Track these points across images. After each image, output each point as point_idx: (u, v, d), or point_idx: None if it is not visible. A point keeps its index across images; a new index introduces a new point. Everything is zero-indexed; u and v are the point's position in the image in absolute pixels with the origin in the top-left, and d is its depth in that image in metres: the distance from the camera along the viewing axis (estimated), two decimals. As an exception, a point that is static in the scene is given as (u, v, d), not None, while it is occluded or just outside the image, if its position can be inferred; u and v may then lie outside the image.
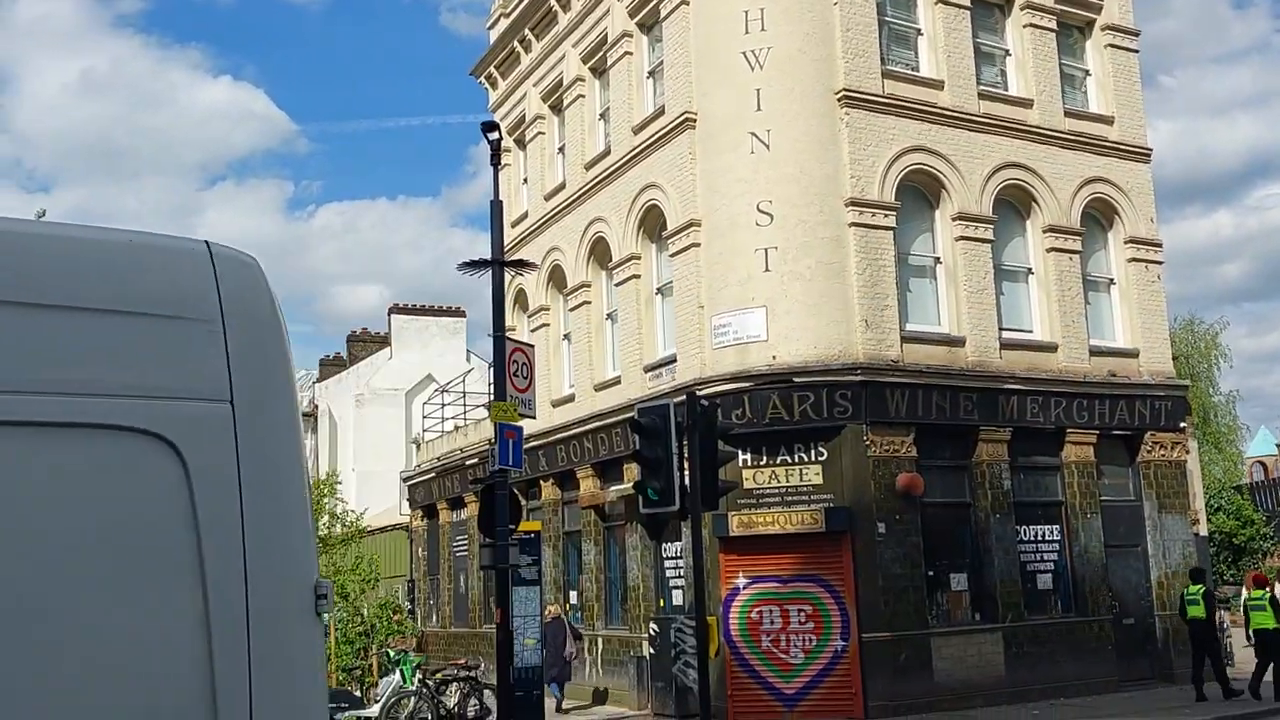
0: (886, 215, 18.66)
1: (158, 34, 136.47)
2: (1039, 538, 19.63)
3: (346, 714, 17.30)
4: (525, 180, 25.90)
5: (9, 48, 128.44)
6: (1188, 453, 21.23)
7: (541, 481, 23.81)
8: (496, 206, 13.25)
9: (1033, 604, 19.06)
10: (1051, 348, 20.09)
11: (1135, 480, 20.76)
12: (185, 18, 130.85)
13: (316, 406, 49.58)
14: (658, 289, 20.76)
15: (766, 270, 18.13)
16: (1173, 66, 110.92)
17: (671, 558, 19.56)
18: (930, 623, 17.84)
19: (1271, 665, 17.50)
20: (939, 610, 18.29)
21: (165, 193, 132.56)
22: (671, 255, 19.77)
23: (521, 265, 13.92)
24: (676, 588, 19.28)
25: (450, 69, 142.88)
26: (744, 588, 17.78)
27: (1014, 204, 20.48)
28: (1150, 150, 21.92)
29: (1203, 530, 21.62)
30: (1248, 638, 18.79)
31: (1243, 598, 19.61)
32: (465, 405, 30.37)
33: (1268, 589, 18.59)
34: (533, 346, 15.01)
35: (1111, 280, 21.48)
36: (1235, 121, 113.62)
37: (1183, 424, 21.28)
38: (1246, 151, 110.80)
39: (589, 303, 22.74)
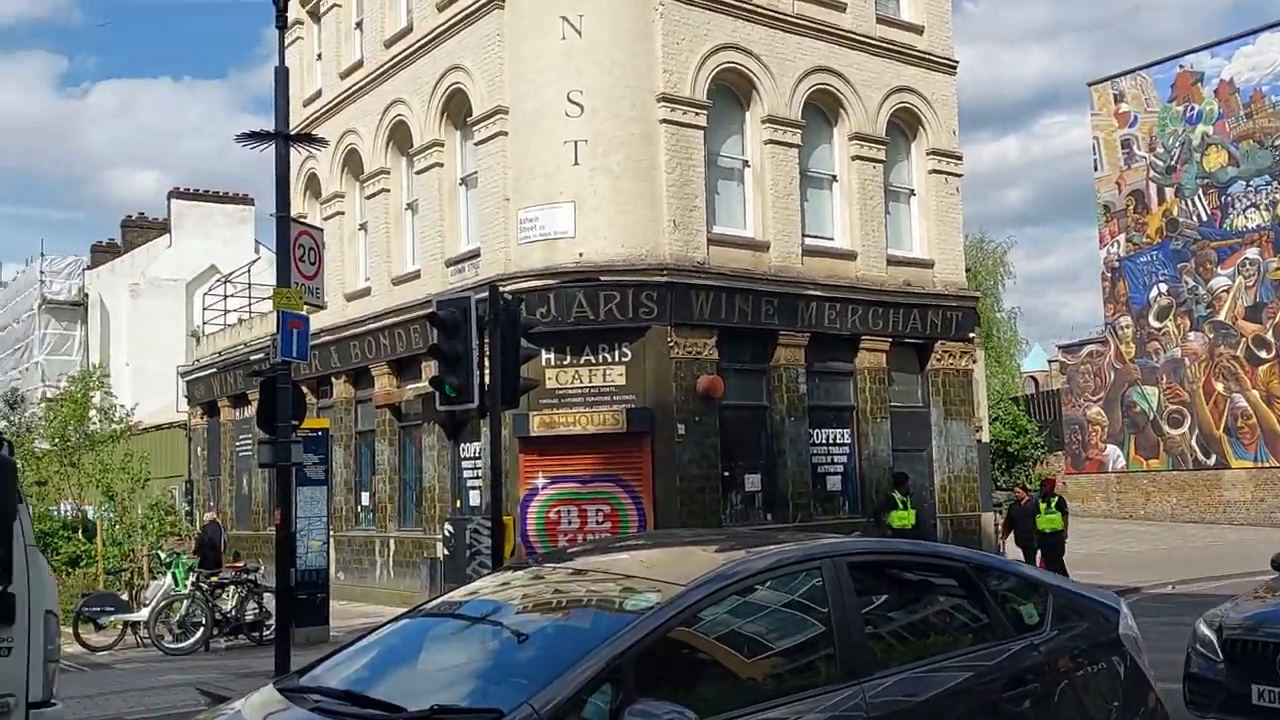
0: (698, 114, 18.25)
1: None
2: (830, 441, 20.03)
3: (112, 618, 16.19)
4: (320, 56, 24.22)
5: None
6: (975, 362, 21.99)
7: (334, 379, 22.75)
8: (281, 74, 12.05)
9: (822, 504, 19.50)
10: (851, 255, 20.30)
11: (924, 387, 21.40)
12: None
13: (86, 296, 46.13)
14: (462, 179, 19.82)
15: (576, 164, 17.49)
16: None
17: (470, 458, 19.01)
18: (724, 522, 17.98)
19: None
20: (732, 510, 18.46)
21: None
22: (477, 144, 18.84)
23: (309, 141, 12.80)
24: (474, 488, 18.78)
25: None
26: (543, 488, 17.44)
27: (823, 110, 20.41)
28: (957, 62, 22.20)
29: (985, 438, 22.55)
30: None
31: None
32: (251, 298, 28.69)
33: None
34: (321, 230, 14.00)
35: (912, 191, 21.81)
36: (1028, 51, 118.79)
37: (971, 334, 22.01)
38: (1037, 80, 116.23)
39: (387, 191, 21.57)
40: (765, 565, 4.49)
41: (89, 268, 47.19)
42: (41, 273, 46.77)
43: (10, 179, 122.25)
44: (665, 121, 17.83)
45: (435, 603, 5.14)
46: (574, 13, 17.61)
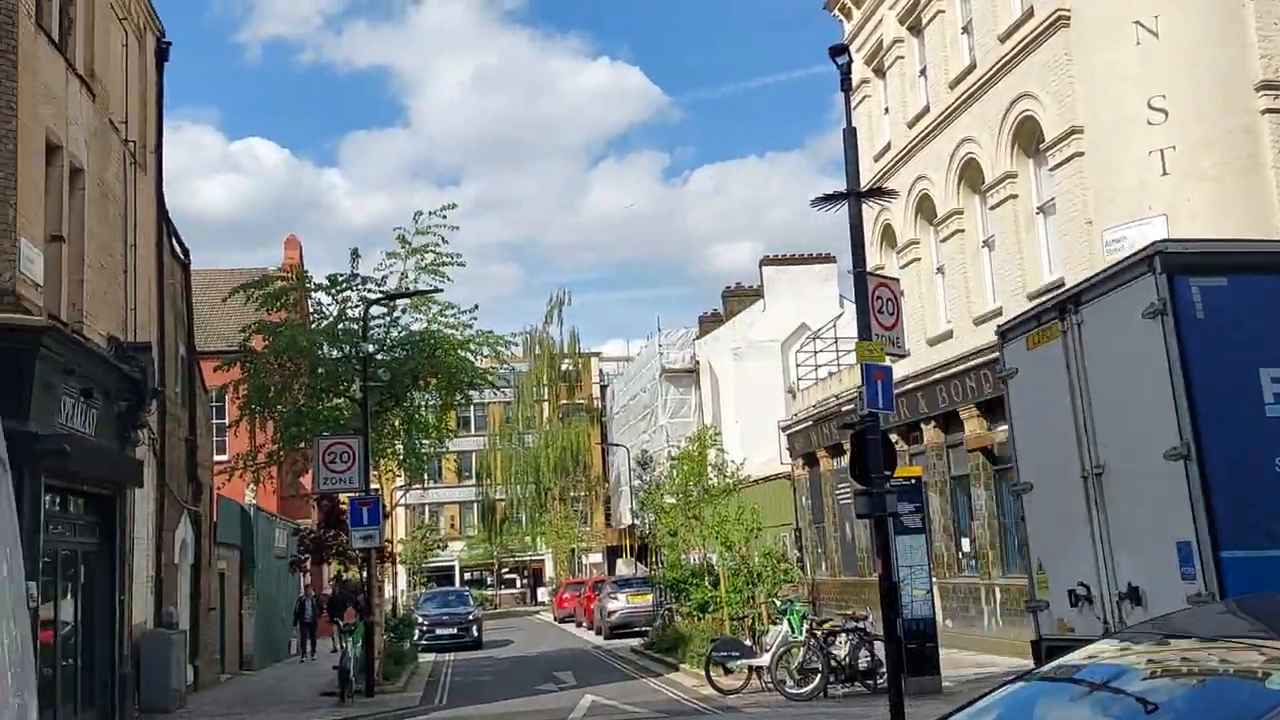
0: (1310, 95, 16.00)
1: (542, 25, 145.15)
2: None
3: (739, 662, 17.33)
4: (886, 110, 24.73)
5: (414, 55, 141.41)
6: None
7: (923, 424, 22.78)
8: (850, 134, 12.47)
9: None
10: None
11: None
12: (565, 6, 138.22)
13: (697, 362, 50.90)
14: (1038, 208, 19.09)
15: (1164, 174, 16.10)
16: None
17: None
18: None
19: None
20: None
21: (555, 176, 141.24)
22: (1051, 169, 18.06)
23: (879, 194, 13.06)
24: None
25: (806, 21, 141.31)
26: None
27: None
28: None
29: None
30: None
31: None
32: (838, 351, 29.78)
33: None
34: (897, 280, 14.17)
35: None
36: None
37: None
38: None
39: (962, 231, 21.35)
40: None
41: (698, 337, 52.28)
42: (660, 345, 52.63)
43: (632, 268, 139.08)
44: (1268, 111, 15.84)
45: (1051, 666, 4.87)
46: (1148, 15, 16.31)
